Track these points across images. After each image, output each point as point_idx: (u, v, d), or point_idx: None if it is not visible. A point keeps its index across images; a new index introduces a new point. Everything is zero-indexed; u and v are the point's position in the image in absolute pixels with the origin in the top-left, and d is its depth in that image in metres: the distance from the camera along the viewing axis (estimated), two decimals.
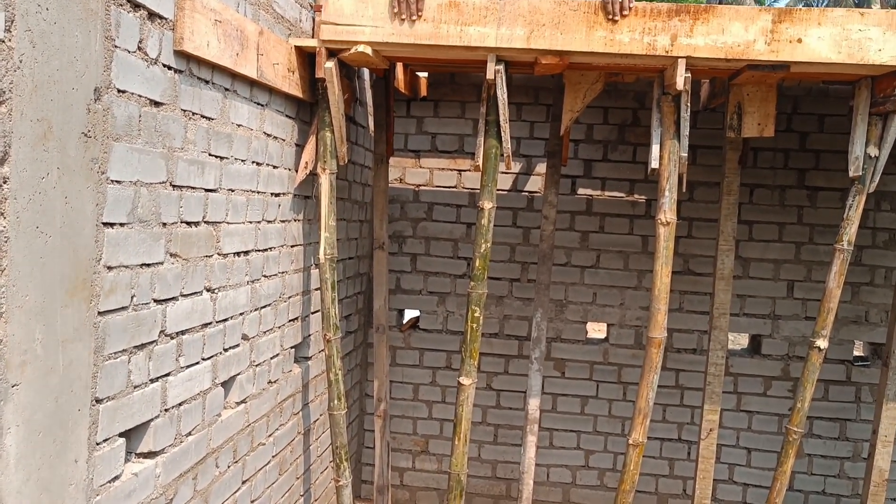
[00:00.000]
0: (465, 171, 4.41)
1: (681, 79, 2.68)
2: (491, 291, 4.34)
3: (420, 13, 2.78)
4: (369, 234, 4.30)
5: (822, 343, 2.94)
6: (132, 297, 1.89)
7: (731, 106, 3.03)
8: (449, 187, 4.44)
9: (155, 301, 2.01)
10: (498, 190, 4.25)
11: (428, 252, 4.46)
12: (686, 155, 2.88)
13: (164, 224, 2.04)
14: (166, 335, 2.07)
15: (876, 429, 3.44)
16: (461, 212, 4.42)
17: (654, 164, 2.90)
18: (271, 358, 2.91)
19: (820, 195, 4.14)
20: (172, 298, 2.11)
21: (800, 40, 2.66)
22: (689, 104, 2.81)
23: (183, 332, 2.17)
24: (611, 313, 4.33)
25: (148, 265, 1.96)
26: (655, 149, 2.89)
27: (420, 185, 4.46)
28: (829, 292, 2.92)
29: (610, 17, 2.70)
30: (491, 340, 4.39)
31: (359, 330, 4.28)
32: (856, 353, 4.45)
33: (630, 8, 2.71)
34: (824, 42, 2.66)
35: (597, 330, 5.41)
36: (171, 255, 2.09)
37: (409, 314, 4.80)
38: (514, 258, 4.38)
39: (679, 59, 2.67)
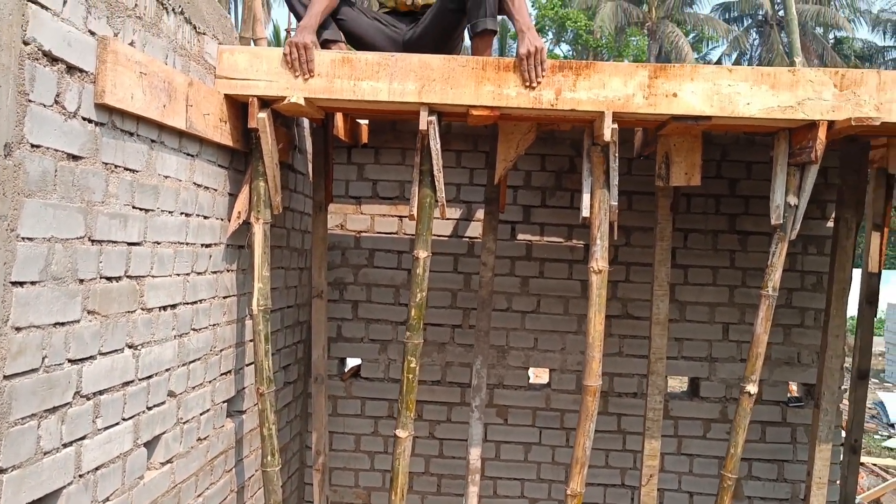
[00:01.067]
0: (405, 217, 4.42)
1: (608, 130, 2.74)
2: (433, 338, 4.32)
3: (311, 73, 2.81)
4: (308, 282, 4.26)
5: (752, 388, 2.99)
6: (43, 359, 1.81)
7: (660, 156, 3.11)
8: (390, 233, 4.44)
9: (70, 361, 1.94)
10: (438, 236, 4.28)
11: (369, 299, 4.43)
12: (616, 204, 2.93)
13: (82, 280, 1.98)
14: (82, 396, 2.00)
15: (810, 470, 3.50)
16: (402, 258, 4.41)
17: (586, 212, 2.94)
18: (201, 414, 2.83)
19: (750, 239, 4.25)
20: (90, 357, 2.03)
21: (675, 94, 2.76)
22: (617, 155, 2.88)
23: (101, 393, 2.09)
24: (552, 358, 4.34)
25: (62, 324, 1.90)
26: (586, 198, 2.94)
27: (361, 232, 4.44)
28: (757, 337, 2.98)
29: (527, 84, 2.77)
30: (433, 388, 4.35)
31: (298, 380, 4.20)
32: (791, 394, 4.54)
33: (545, 72, 2.79)
34: (697, 96, 2.76)
35: (538, 375, 5.42)
36: (89, 312, 2.02)
37: (351, 362, 4.74)
38: (455, 304, 4.38)
39: (605, 112, 2.73)
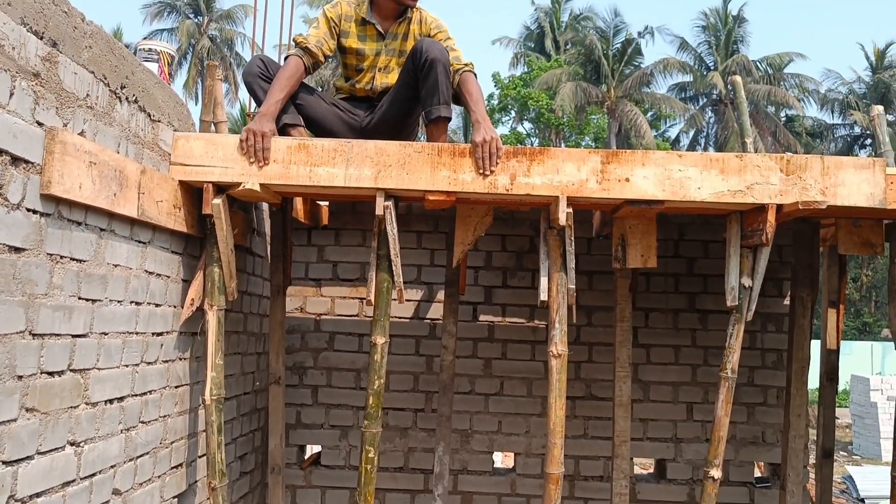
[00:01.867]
0: (366, 299, 4.37)
1: (563, 214, 2.77)
2: (395, 423, 4.22)
3: (267, 161, 2.83)
4: (267, 367, 4.16)
5: (716, 473, 2.95)
6: None
7: (616, 238, 3.14)
8: (351, 316, 4.38)
9: (4, 463, 1.84)
10: (399, 317, 4.24)
11: (330, 383, 4.33)
12: (574, 287, 2.94)
13: (20, 377, 1.90)
14: (16, 500, 1.89)
15: None
16: (363, 341, 4.34)
17: (544, 296, 2.94)
18: None
19: (710, 318, 4.27)
20: (27, 458, 1.94)
21: (627, 179, 2.81)
22: (573, 238, 2.90)
23: (38, 495, 1.99)
24: (517, 442, 4.26)
25: None
26: (544, 281, 2.94)
27: (321, 315, 4.38)
28: (719, 420, 2.96)
29: (481, 171, 2.82)
30: (395, 475, 4.22)
31: (256, 469, 4.06)
32: (759, 471, 4.49)
33: (499, 160, 2.84)
34: (649, 181, 2.82)
35: (505, 456, 5.31)
36: (28, 409, 1.94)
37: (311, 449, 4.60)
38: (417, 387, 4.30)
39: (560, 197, 2.76)
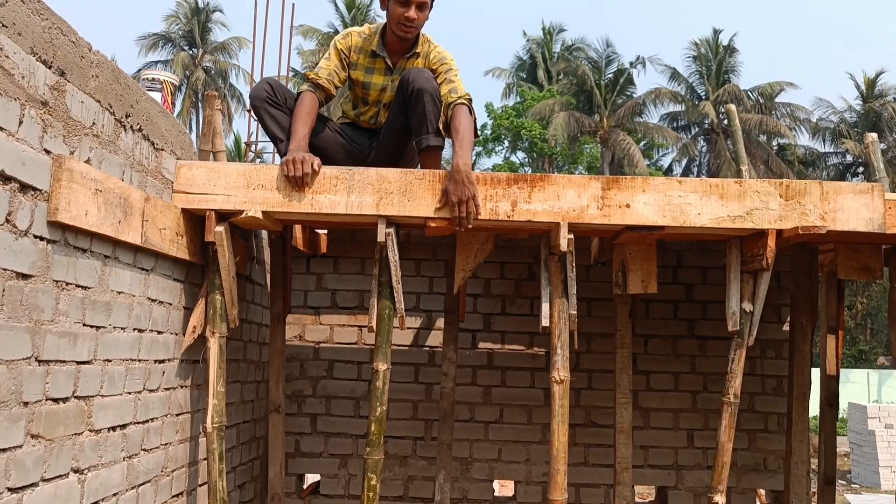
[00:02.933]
0: (365, 326, 4.37)
1: (564, 241, 2.78)
2: (394, 451, 4.19)
3: (310, 185, 2.85)
4: (266, 396, 4.14)
5: (721, 499, 2.93)
6: None
7: (616, 264, 3.15)
8: (350, 344, 4.38)
9: (9, 490, 1.83)
10: (398, 345, 4.23)
11: (329, 412, 4.31)
12: (575, 312, 2.94)
13: (26, 403, 1.90)
14: None
15: None
16: (362, 369, 4.34)
17: (545, 322, 2.94)
18: None
19: (710, 344, 4.28)
20: (32, 485, 1.92)
21: (628, 206, 2.84)
22: (574, 264, 2.91)
23: None
24: (517, 470, 4.23)
25: (3, 450, 1.80)
26: (545, 307, 2.95)
27: (320, 342, 4.38)
28: (722, 446, 2.95)
29: (458, 227, 2.84)
30: None
31: (255, 499, 4.02)
32: (760, 500, 4.46)
33: (478, 216, 2.84)
34: (650, 207, 2.84)
35: (503, 485, 5.27)
36: (33, 436, 1.93)
37: (311, 478, 4.56)
38: (417, 415, 4.28)
39: (561, 223, 2.78)
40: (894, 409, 13.74)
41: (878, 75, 32.74)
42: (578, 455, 4.18)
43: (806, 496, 3.58)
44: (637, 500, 4.39)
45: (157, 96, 3.06)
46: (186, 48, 33.97)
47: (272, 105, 3.26)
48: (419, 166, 3.44)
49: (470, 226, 2.84)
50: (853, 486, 13.07)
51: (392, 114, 3.34)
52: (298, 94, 3.29)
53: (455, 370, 3.70)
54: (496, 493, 4.32)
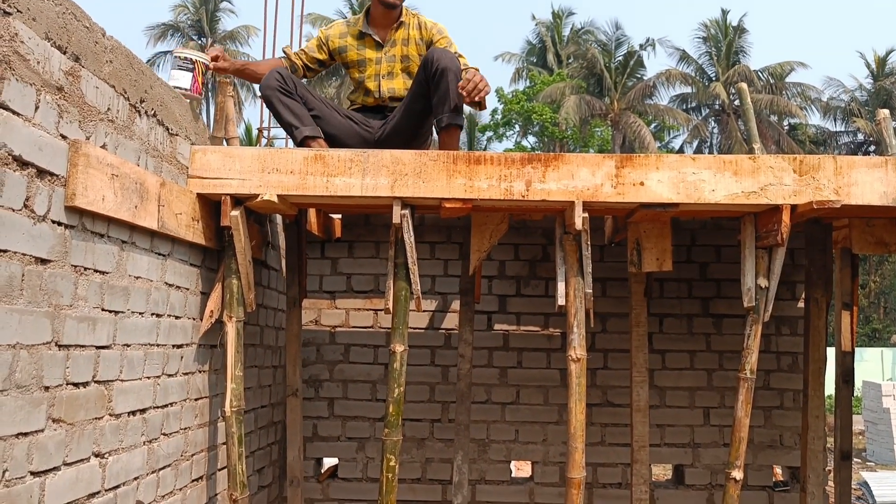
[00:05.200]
0: (381, 310, 4.39)
1: (579, 219, 2.78)
2: (411, 434, 4.22)
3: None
4: (283, 381, 4.17)
5: (738, 474, 2.94)
6: (4, 472, 1.73)
7: (631, 242, 3.15)
8: (366, 327, 4.40)
9: (32, 474, 1.85)
10: (414, 328, 4.24)
11: (345, 396, 4.34)
12: (591, 291, 2.94)
13: (47, 388, 1.92)
14: None
15: None
16: (378, 352, 4.36)
17: (561, 301, 2.95)
18: None
19: (724, 322, 4.27)
20: (54, 469, 1.95)
21: (642, 183, 2.83)
22: (589, 243, 2.91)
23: None
24: (534, 450, 4.25)
25: (25, 434, 1.82)
26: (561, 286, 2.95)
27: (336, 327, 4.40)
28: (739, 421, 2.95)
29: (467, 99, 3.07)
30: (413, 486, 4.22)
31: (273, 483, 4.06)
32: (776, 478, 4.47)
33: (486, 92, 3.10)
34: (664, 184, 2.83)
35: (519, 468, 5.29)
36: (54, 420, 1.95)
37: (328, 462, 4.59)
38: (433, 398, 4.30)
39: (575, 202, 2.77)
40: None
41: (888, 53, 32.36)
42: (595, 435, 4.18)
43: (822, 472, 3.58)
44: (654, 478, 4.40)
45: (188, 76, 3.07)
46: (195, 37, 33.96)
47: (284, 94, 3.32)
48: (429, 147, 3.48)
49: (479, 97, 3.06)
50: (868, 463, 13.03)
51: (411, 93, 3.42)
52: (279, 72, 3.43)
53: (471, 352, 3.71)
54: (513, 474, 4.34)
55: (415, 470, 4.24)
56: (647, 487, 3.45)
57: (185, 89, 3.03)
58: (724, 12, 31.95)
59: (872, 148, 30.24)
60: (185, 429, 2.84)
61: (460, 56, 3.39)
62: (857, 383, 16.00)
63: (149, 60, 31.46)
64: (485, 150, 31.75)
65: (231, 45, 34.15)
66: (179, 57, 3.14)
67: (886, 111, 3.95)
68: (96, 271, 2.17)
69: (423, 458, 4.26)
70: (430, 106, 3.30)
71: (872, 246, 3.33)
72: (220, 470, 3.19)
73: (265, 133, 11.69)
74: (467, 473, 3.65)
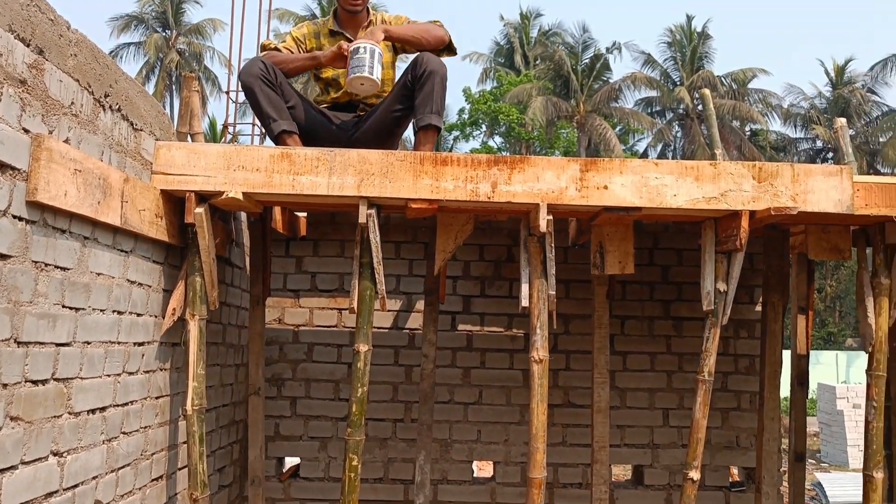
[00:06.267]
0: (345, 309, 4.38)
1: (543, 221, 2.81)
2: (374, 433, 4.22)
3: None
4: (245, 379, 4.14)
5: (695, 474, 3.00)
6: None
7: (594, 245, 3.19)
8: (329, 327, 4.38)
9: None
10: (378, 328, 4.24)
11: (308, 395, 4.32)
12: (554, 293, 2.98)
13: (5, 385, 1.89)
14: None
15: None
16: (342, 351, 4.35)
17: (525, 302, 2.98)
18: None
19: (685, 325, 4.35)
20: (11, 468, 1.92)
21: (606, 187, 2.87)
22: (553, 245, 2.94)
23: None
24: (496, 451, 4.28)
25: None
26: (525, 287, 2.98)
27: (300, 326, 4.38)
28: (696, 422, 3.01)
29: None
30: (375, 486, 4.22)
31: (234, 483, 4.03)
32: (732, 478, 4.56)
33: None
34: (627, 188, 2.88)
35: (481, 468, 5.33)
36: (12, 418, 1.92)
37: (290, 462, 4.57)
38: (396, 398, 4.31)
39: (540, 204, 2.81)
40: (862, 390, 14.02)
41: (847, 62, 33.17)
42: (556, 435, 4.23)
43: (777, 473, 3.67)
44: (613, 478, 4.46)
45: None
46: (160, 30, 33.43)
47: (266, 83, 3.31)
48: (401, 147, 3.51)
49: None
50: (822, 464, 13.35)
51: (393, 93, 3.48)
52: (262, 60, 3.42)
53: (435, 352, 3.73)
54: (475, 474, 4.37)
55: (377, 469, 4.25)
56: (607, 487, 3.50)
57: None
58: (689, 18, 32.46)
59: (830, 155, 30.95)
60: (146, 427, 2.81)
61: (439, 24, 3.56)
62: (813, 386, 16.39)
63: (111, 52, 30.91)
64: (451, 149, 31.85)
65: (196, 39, 33.71)
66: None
67: (843, 120, 4.07)
68: (57, 267, 2.14)
69: (385, 458, 4.26)
70: (409, 108, 3.36)
71: (828, 252, 3.42)
72: (180, 469, 3.16)
73: (230, 129, 11.57)
74: (429, 473, 3.67)
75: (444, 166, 2.87)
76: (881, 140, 30.88)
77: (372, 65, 3.23)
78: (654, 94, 31.78)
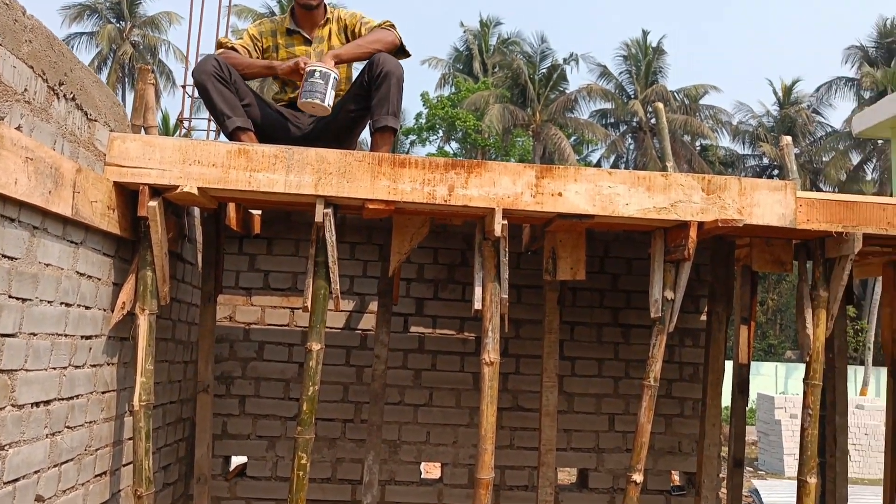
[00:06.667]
0: (297, 308, 4.36)
1: (498, 226, 2.86)
2: (323, 433, 4.21)
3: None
4: (194, 376, 4.09)
5: (638, 477, 3.07)
6: None
7: (547, 251, 3.25)
8: (281, 325, 4.36)
9: None
10: (331, 328, 4.24)
11: (258, 394, 4.29)
12: (507, 297, 3.03)
13: None
14: None
15: None
16: (293, 351, 4.33)
17: (478, 305, 3.02)
18: None
19: (632, 332, 4.45)
20: None
21: (560, 194, 2.94)
22: (507, 249, 2.99)
23: None
24: (445, 452, 4.31)
25: None
26: (478, 291, 3.02)
27: (251, 324, 4.35)
28: (641, 427, 3.09)
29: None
30: (323, 486, 4.21)
31: (179, 481, 3.97)
32: (673, 483, 4.67)
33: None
34: (581, 196, 2.95)
35: (428, 471, 5.35)
36: None
37: (237, 460, 4.53)
38: (347, 398, 4.31)
39: (496, 209, 2.85)
40: (799, 401, 14.45)
41: (794, 83, 34.25)
42: (504, 438, 4.28)
43: (716, 478, 3.77)
44: (559, 482, 4.53)
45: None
46: (114, 20, 32.70)
47: (220, 81, 3.29)
48: (359, 148, 3.52)
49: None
50: (759, 472, 13.72)
51: (349, 93, 3.48)
52: (216, 58, 3.40)
53: (387, 353, 3.74)
54: (423, 475, 4.39)
55: (325, 469, 4.24)
56: (553, 490, 3.56)
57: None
58: (645, 33, 33.10)
59: (776, 172, 31.88)
60: (91, 422, 2.76)
61: (391, 26, 3.55)
62: (753, 395, 16.83)
63: (63, 41, 30.12)
64: (408, 153, 31.81)
65: (151, 32, 33.09)
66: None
67: (789, 138, 4.21)
68: (4, 256, 2.10)
69: (333, 458, 4.25)
70: (366, 108, 3.37)
71: (770, 264, 3.55)
72: (124, 465, 3.11)
73: (185, 123, 11.41)
74: (377, 474, 3.68)
75: (402, 168, 2.89)
76: (824, 159, 31.96)
77: (325, 91, 3.27)
78: (608, 106, 32.32)
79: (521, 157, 31.80)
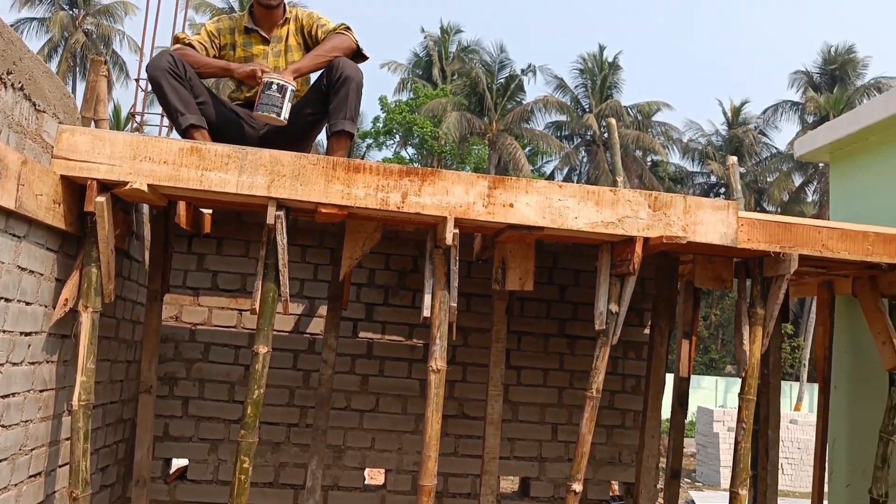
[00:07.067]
0: (246, 310, 4.32)
1: (450, 235, 2.89)
2: (267, 437, 4.18)
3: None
4: (137, 376, 4.02)
5: (578, 486, 3.13)
6: None
7: (497, 261, 3.29)
8: (228, 327, 4.32)
9: None
10: (279, 331, 4.21)
11: (202, 395, 4.23)
12: (455, 305, 3.06)
13: None
14: None
15: None
16: (240, 353, 4.29)
17: (427, 312, 3.04)
18: None
19: (578, 343, 4.52)
20: None
21: (511, 205, 2.99)
22: (457, 258, 3.02)
23: None
24: (389, 458, 4.31)
25: None
26: (428, 298, 3.04)
27: (197, 324, 4.29)
28: (582, 437, 3.15)
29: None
30: (265, 490, 4.17)
31: (117, 482, 3.89)
32: (612, 492, 4.76)
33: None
34: (531, 208, 3.00)
35: (372, 477, 5.35)
36: None
37: (177, 463, 4.46)
38: (293, 402, 4.28)
39: (448, 218, 2.88)
40: None
41: (742, 104, 35.23)
42: (449, 445, 4.31)
43: (654, 489, 3.86)
44: (501, 490, 4.57)
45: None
46: (66, 7, 31.87)
47: (174, 77, 3.26)
48: (315, 150, 3.52)
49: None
50: (697, 484, 14.02)
51: (306, 97, 3.46)
52: (171, 54, 3.36)
53: (334, 358, 3.74)
54: (367, 481, 4.38)
55: (268, 474, 4.20)
56: (495, 498, 3.59)
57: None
58: (601, 48, 33.66)
59: (723, 190, 32.69)
60: (27, 421, 2.70)
61: (347, 28, 3.54)
62: (693, 408, 17.21)
63: (11, 26, 29.25)
64: (364, 157, 31.72)
65: (105, 21, 32.35)
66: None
67: (735, 158, 4.36)
68: None
69: (276, 462, 4.22)
70: (323, 112, 3.37)
71: (712, 281, 3.65)
72: (61, 466, 3.04)
73: (137, 118, 11.19)
74: (321, 479, 3.67)
75: (356, 173, 2.90)
76: (769, 179, 32.92)
77: (282, 105, 3.28)
78: (564, 118, 32.75)
79: (477, 165, 31.99)
